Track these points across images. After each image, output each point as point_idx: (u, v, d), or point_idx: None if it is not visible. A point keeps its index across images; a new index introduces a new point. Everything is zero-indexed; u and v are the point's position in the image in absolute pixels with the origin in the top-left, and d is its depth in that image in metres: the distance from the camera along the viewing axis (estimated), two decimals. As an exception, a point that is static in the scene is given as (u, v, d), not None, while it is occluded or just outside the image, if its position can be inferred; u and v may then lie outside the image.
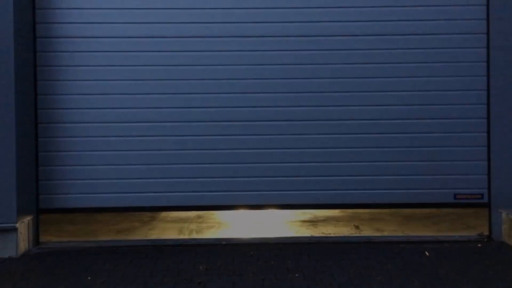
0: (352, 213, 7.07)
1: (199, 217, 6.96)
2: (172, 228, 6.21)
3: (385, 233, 5.78)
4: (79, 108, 5.46)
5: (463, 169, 5.56)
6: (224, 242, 5.35)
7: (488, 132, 5.51)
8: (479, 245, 5.19)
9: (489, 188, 5.52)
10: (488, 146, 5.52)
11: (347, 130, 5.55)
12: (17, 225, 4.92)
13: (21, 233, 4.99)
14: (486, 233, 5.54)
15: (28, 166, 5.25)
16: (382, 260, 4.65)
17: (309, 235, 5.70)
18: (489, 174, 5.52)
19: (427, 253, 4.87)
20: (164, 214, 7.18)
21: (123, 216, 7.00)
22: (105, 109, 5.47)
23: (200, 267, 4.48)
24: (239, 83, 5.52)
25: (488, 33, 5.48)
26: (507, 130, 5.33)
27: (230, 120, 5.53)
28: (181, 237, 5.74)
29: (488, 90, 5.49)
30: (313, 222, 6.51)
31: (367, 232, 5.87)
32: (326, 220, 6.62)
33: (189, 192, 5.52)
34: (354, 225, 6.24)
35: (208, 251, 5.01)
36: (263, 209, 5.64)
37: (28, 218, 5.15)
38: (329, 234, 5.79)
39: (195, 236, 5.79)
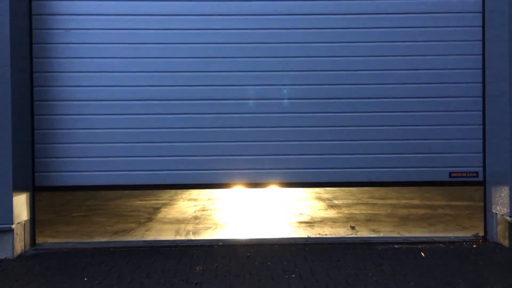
0: (349, 214, 7.10)
1: (195, 218, 6.97)
2: (169, 229, 6.22)
3: (381, 234, 5.81)
4: (74, 86, 5.39)
5: (458, 148, 5.53)
6: (220, 243, 5.36)
7: (484, 111, 5.49)
8: (474, 246, 5.21)
9: (484, 167, 5.51)
10: (484, 125, 5.50)
11: (345, 109, 5.51)
12: (13, 226, 4.91)
13: (17, 234, 4.98)
14: (481, 234, 5.57)
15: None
16: (378, 261, 4.67)
17: (306, 236, 5.71)
18: (484, 152, 5.50)
19: (422, 254, 4.89)
20: (160, 215, 7.19)
21: (119, 217, 7.01)
22: (101, 87, 5.41)
23: (197, 268, 4.48)
24: (234, 61, 5.47)
25: None
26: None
27: (227, 98, 5.48)
28: (178, 238, 5.74)
29: (483, 68, 5.47)
30: (309, 223, 6.53)
31: (363, 233, 5.89)
32: (323, 221, 6.65)
33: (186, 170, 5.47)
34: (350, 226, 6.27)
35: (205, 252, 5.02)
36: (262, 187, 5.65)
37: (24, 219, 5.14)
38: (326, 235, 5.81)
39: (191, 237, 5.80)
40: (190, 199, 8.80)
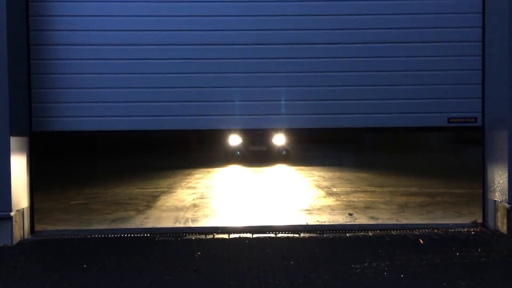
0: (347, 202, 7.11)
1: (194, 206, 6.98)
2: (168, 217, 6.22)
3: (380, 221, 5.82)
4: (72, 30, 5.31)
5: (457, 93, 5.48)
6: (219, 231, 5.36)
7: (483, 55, 5.43)
8: (473, 233, 5.23)
9: (483, 112, 5.45)
10: (483, 70, 5.44)
11: (343, 54, 5.45)
12: (12, 213, 4.90)
13: (16, 221, 4.98)
14: (480, 221, 5.58)
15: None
16: (377, 248, 4.68)
17: (305, 224, 5.72)
18: (483, 97, 5.45)
19: (421, 241, 4.90)
20: (159, 203, 7.19)
21: (118, 205, 7.01)
22: (99, 31, 5.34)
23: (196, 255, 4.49)
24: (233, 5, 5.41)
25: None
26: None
27: (226, 43, 5.42)
28: (177, 225, 5.75)
29: (483, 12, 5.39)
30: (308, 210, 6.53)
31: (362, 220, 5.90)
32: (321, 208, 6.65)
33: (183, 115, 5.44)
34: (348, 213, 6.28)
35: (204, 240, 5.03)
36: (260, 133, 5.65)
37: (23, 207, 5.13)
38: (324, 222, 5.81)
39: (190, 225, 5.80)
40: (189, 187, 8.80)
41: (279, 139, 14.94)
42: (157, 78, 5.41)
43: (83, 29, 5.34)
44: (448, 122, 5.49)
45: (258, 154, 14.87)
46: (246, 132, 13.74)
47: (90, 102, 5.37)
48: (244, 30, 5.44)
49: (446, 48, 5.48)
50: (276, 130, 5.50)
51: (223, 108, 5.46)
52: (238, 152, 14.82)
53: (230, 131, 13.78)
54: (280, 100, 5.51)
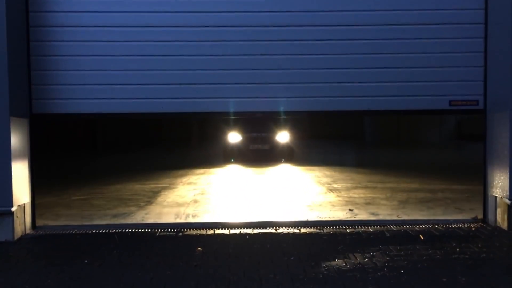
0: (348, 198, 7.12)
1: (195, 201, 6.99)
2: (169, 213, 6.23)
3: (380, 217, 5.82)
4: (72, 12, 5.30)
5: (458, 75, 5.45)
6: (220, 226, 5.37)
7: (485, 38, 5.39)
8: (473, 229, 5.23)
9: (485, 95, 5.42)
10: (485, 52, 5.40)
11: (342, 36, 5.42)
12: (13, 208, 4.91)
13: (17, 216, 4.99)
14: (480, 217, 5.58)
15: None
16: (377, 243, 4.68)
17: (305, 219, 5.73)
18: (485, 80, 5.41)
19: (421, 236, 4.91)
20: (160, 199, 7.20)
21: (119, 201, 7.02)
22: (98, 13, 5.32)
23: (197, 250, 4.50)
24: None
25: None
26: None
27: (224, 25, 5.40)
28: (177, 221, 5.76)
29: None
30: (309, 206, 6.54)
31: (362, 216, 5.90)
32: (322, 204, 6.66)
33: (184, 98, 5.42)
34: (349, 209, 6.28)
35: (204, 235, 5.04)
36: (259, 116, 5.64)
37: (24, 202, 5.14)
38: (325, 218, 5.82)
39: (191, 220, 5.81)
40: (189, 183, 8.81)
41: (283, 137, 13.65)
42: (157, 61, 5.39)
43: (82, 10, 5.31)
44: (450, 105, 5.46)
45: (259, 153, 13.51)
46: (246, 132, 13.42)
47: (90, 85, 5.35)
48: (242, 11, 5.39)
49: (447, 30, 5.43)
50: (277, 121, 5.39)
51: (223, 90, 5.43)
52: (232, 159, 13.36)
53: (229, 127, 13.58)
54: (280, 83, 5.47)
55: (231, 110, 5.51)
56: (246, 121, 13.59)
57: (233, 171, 11.39)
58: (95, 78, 5.35)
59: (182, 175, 10.05)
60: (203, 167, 11.86)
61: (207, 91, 5.43)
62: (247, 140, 13.55)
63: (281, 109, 5.55)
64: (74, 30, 5.32)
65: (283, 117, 19.27)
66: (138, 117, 5.63)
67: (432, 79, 5.45)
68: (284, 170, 11.44)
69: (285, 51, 5.43)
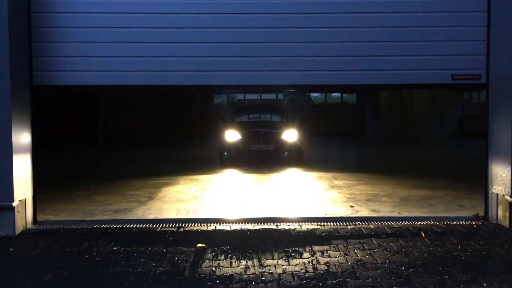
0: (349, 194, 7.11)
1: (196, 197, 6.98)
2: (170, 208, 6.23)
3: (381, 214, 5.81)
4: None
5: (461, 49, 5.40)
6: (221, 222, 5.37)
7: (488, 11, 5.33)
8: (474, 226, 5.22)
9: (487, 69, 5.37)
10: (488, 26, 5.34)
11: (342, 9, 5.39)
12: (15, 203, 4.92)
13: (18, 211, 4.99)
14: (482, 214, 5.57)
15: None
16: (378, 240, 4.68)
17: (306, 216, 5.72)
18: (488, 54, 5.37)
19: (422, 233, 4.90)
20: (161, 194, 7.19)
21: (120, 196, 7.02)
22: None
23: (198, 246, 4.50)
24: None
25: None
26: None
27: None
28: (179, 217, 5.76)
29: None
30: (310, 202, 6.53)
31: (363, 212, 5.90)
32: (323, 201, 6.65)
33: (184, 71, 5.40)
34: (350, 205, 6.27)
35: (205, 231, 5.04)
36: (259, 89, 5.60)
37: (25, 197, 5.14)
38: (326, 214, 5.81)
39: (192, 216, 5.81)
40: (191, 179, 8.79)
41: (289, 135, 11.01)
42: (157, 33, 5.35)
43: None
44: (452, 79, 5.41)
45: (262, 154, 10.95)
46: (245, 129, 11.12)
47: (91, 57, 5.33)
48: None
49: (450, 4, 5.38)
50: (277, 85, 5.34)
51: (224, 63, 5.40)
52: (226, 153, 10.99)
53: (226, 123, 11.72)
54: (281, 56, 5.42)
55: (232, 83, 5.49)
56: (245, 115, 12.46)
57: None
58: (96, 50, 5.32)
59: (183, 172, 9.92)
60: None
61: (209, 64, 5.39)
62: (247, 139, 10.97)
63: (282, 82, 5.50)
64: (75, 1, 5.29)
65: (286, 103, 18.93)
66: (139, 89, 5.61)
67: (434, 53, 5.40)
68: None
69: (286, 24, 5.39)
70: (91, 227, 5.23)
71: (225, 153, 11.06)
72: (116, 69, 5.34)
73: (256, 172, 9.54)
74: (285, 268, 3.94)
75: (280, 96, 20.91)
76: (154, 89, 5.53)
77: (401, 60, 5.42)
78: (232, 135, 11.02)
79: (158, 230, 5.10)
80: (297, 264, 4.03)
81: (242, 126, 11.45)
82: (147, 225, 5.28)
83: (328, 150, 15.29)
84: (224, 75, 5.43)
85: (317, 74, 5.45)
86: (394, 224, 5.27)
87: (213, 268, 3.94)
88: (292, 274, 3.80)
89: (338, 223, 5.32)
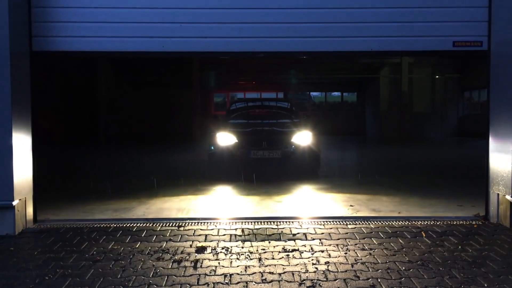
0: (349, 193, 7.10)
1: (196, 196, 6.97)
2: (170, 208, 6.22)
3: (382, 214, 5.81)
4: None
5: (462, 16, 5.35)
6: (221, 222, 5.37)
7: None
8: (475, 226, 5.21)
9: (489, 36, 5.34)
10: None
11: None
12: (15, 202, 4.91)
13: (18, 210, 4.98)
14: (482, 214, 5.56)
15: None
16: (379, 240, 4.67)
17: (306, 215, 5.71)
18: (490, 21, 5.32)
19: (423, 233, 4.89)
20: (162, 193, 7.18)
21: (120, 196, 7.01)
22: None
23: (197, 245, 4.50)
24: None
25: None
26: None
27: None
28: (179, 216, 5.75)
29: None
30: (310, 202, 6.53)
31: (363, 212, 5.89)
32: (323, 200, 6.64)
33: (184, 37, 5.37)
34: (350, 205, 6.27)
35: (206, 230, 5.03)
36: (257, 56, 5.59)
37: (25, 196, 5.14)
38: (326, 214, 5.80)
39: (192, 215, 5.80)
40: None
41: (303, 137, 8.47)
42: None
43: None
44: (453, 46, 5.37)
45: (266, 164, 8.31)
46: (243, 128, 8.84)
47: (91, 22, 5.30)
48: None
49: None
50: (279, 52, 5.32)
51: (225, 30, 5.37)
52: (216, 163, 8.50)
53: (218, 121, 9.71)
54: (281, 23, 5.39)
55: (233, 50, 5.44)
56: (244, 112, 10.32)
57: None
58: (96, 15, 5.29)
59: (184, 171, 9.82)
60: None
61: (209, 30, 5.36)
62: (246, 143, 8.31)
63: (282, 49, 5.44)
64: None
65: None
66: (139, 56, 5.59)
67: (436, 20, 5.37)
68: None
69: None
70: (91, 226, 5.22)
71: (215, 163, 8.55)
72: (116, 34, 5.31)
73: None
74: (285, 268, 3.93)
75: (281, 96, 20.89)
76: (154, 55, 5.46)
77: (403, 26, 5.37)
78: (225, 138, 8.40)
79: (158, 229, 5.09)
80: (297, 264, 4.02)
81: (240, 126, 8.99)
82: (147, 224, 5.26)
83: (337, 153, 12.90)
84: (225, 42, 5.38)
85: (318, 41, 5.38)
86: (394, 224, 5.27)
87: (214, 268, 3.93)
88: (292, 274, 3.80)
89: (338, 222, 5.31)
